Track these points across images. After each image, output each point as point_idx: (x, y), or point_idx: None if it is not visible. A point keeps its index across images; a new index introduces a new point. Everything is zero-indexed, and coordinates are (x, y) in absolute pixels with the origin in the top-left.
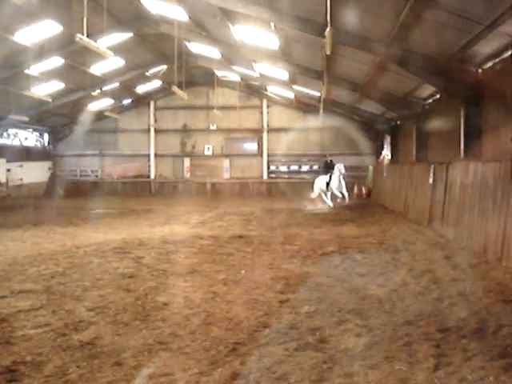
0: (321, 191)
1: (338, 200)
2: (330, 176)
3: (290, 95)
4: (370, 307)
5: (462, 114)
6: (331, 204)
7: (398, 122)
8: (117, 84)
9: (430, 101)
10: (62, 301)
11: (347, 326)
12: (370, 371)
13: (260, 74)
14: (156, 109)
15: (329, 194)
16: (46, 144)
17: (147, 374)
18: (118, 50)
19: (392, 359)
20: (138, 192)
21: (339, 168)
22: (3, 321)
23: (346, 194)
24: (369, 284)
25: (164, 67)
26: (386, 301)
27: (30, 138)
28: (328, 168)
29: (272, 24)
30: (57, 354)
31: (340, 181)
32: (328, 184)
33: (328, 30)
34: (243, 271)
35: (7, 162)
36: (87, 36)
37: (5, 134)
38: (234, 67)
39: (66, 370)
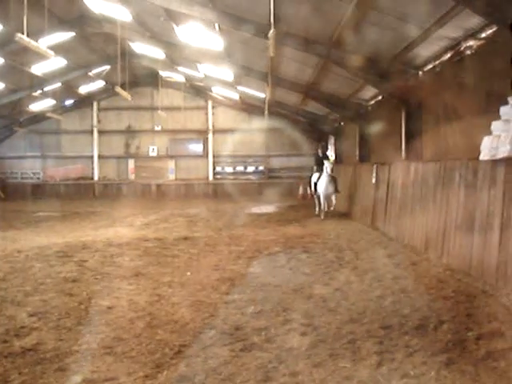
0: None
1: (323, 208)
2: (320, 175)
3: (235, 96)
4: (315, 306)
5: (403, 115)
6: (318, 211)
7: (342, 123)
8: (59, 84)
9: (373, 102)
10: (2, 306)
11: (292, 325)
12: (314, 369)
13: (205, 75)
14: (99, 110)
15: (317, 198)
16: None
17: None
18: (59, 49)
19: (336, 357)
20: (82, 194)
21: (326, 166)
22: None
23: (333, 199)
24: (314, 283)
25: (107, 67)
26: (330, 299)
27: None
28: (321, 164)
29: (216, 25)
30: None
31: (328, 183)
32: (316, 186)
33: (271, 31)
34: (189, 273)
35: None
36: (28, 35)
37: None
38: (179, 68)
39: (7, 377)
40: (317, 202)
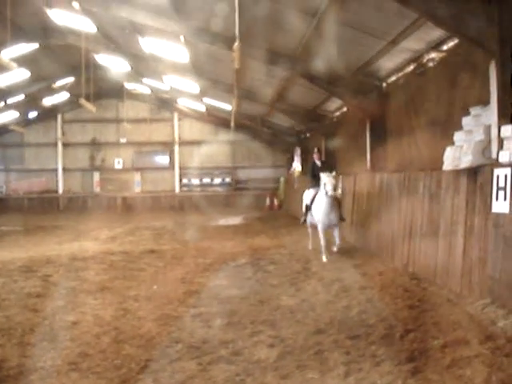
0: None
1: (322, 243)
2: (316, 194)
3: (202, 108)
4: (282, 318)
5: (368, 126)
6: (310, 245)
7: (308, 135)
8: (22, 96)
9: (338, 114)
10: None
11: (260, 337)
12: (282, 381)
13: (170, 87)
14: (64, 122)
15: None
16: None
17: None
18: (22, 61)
19: (304, 368)
20: (46, 208)
21: (325, 182)
22: None
23: (337, 233)
24: (281, 294)
25: (71, 79)
26: (297, 311)
27: None
28: (318, 178)
29: (182, 37)
30: None
31: (328, 207)
32: (308, 209)
33: (236, 44)
34: (155, 286)
35: None
36: None
37: None
38: (144, 80)
39: None
40: (310, 231)
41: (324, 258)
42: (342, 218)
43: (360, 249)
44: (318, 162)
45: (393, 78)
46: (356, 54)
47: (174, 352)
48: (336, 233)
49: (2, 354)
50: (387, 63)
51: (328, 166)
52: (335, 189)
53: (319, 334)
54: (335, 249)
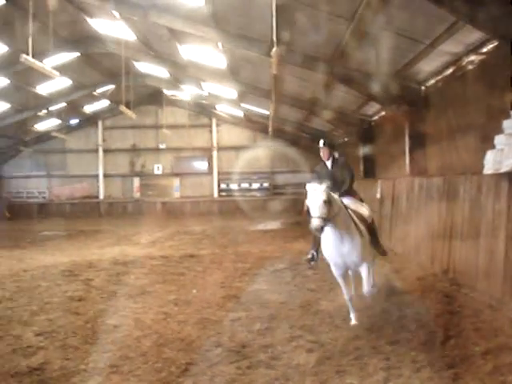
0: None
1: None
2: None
3: (239, 114)
4: (321, 322)
5: (406, 130)
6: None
7: (346, 139)
8: (64, 104)
9: (376, 117)
10: (9, 326)
11: (299, 342)
12: None
13: (209, 93)
14: (104, 128)
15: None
16: None
17: None
18: (64, 69)
19: (343, 373)
20: (87, 213)
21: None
22: None
23: (365, 276)
24: (320, 299)
25: (112, 87)
26: (336, 316)
27: None
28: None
29: (219, 44)
30: (4, 380)
31: (335, 235)
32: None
33: (274, 49)
34: (195, 291)
35: None
36: (33, 56)
37: None
38: (183, 86)
39: None
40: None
41: (352, 319)
42: (381, 251)
43: (399, 254)
44: (329, 163)
45: (432, 82)
46: (394, 58)
47: (213, 356)
48: (364, 274)
49: (45, 357)
50: (426, 66)
51: (343, 169)
52: (328, 214)
53: (358, 340)
54: (366, 293)
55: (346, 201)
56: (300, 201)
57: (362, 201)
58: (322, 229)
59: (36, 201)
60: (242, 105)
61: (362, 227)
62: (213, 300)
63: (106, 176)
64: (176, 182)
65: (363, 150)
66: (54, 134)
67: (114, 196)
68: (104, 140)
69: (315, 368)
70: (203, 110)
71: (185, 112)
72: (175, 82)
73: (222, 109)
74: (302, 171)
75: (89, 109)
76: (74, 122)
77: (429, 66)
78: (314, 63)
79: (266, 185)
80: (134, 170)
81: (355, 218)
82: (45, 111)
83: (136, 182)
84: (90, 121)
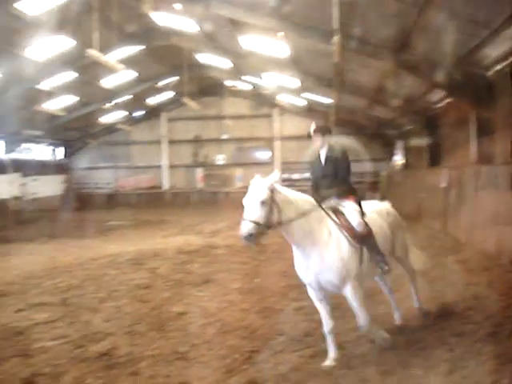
0: None
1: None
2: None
3: (301, 103)
4: (385, 313)
5: (473, 117)
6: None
7: (410, 127)
8: (129, 96)
9: (441, 105)
10: (78, 313)
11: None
12: (384, 377)
13: (270, 83)
14: (168, 120)
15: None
16: (61, 157)
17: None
18: (129, 62)
19: (407, 364)
20: (152, 203)
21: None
22: (21, 333)
23: (351, 297)
24: (379, 293)
25: (175, 79)
26: (400, 307)
27: (44, 152)
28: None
29: (281, 33)
30: (74, 365)
31: (299, 251)
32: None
33: (336, 37)
34: (257, 279)
35: (22, 176)
36: (99, 50)
37: (19, 149)
38: (244, 77)
39: (83, 380)
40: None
41: (328, 359)
42: (383, 270)
43: (465, 244)
44: (323, 153)
45: (498, 67)
46: (459, 44)
47: (276, 344)
48: (350, 300)
49: (112, 343)
50: (492, 52)
51: (338, 161)
52: (267, 218)
53: (423, 331)
54: (359, 327)
55: (334, 202)
56: (362, 190)
57: (359, 202)
58: (252, 237)
59: (103, 191)
60: (304, 94)
61: (349, 239)
62: (275, 289)
63: (170, 167)
64: (238, 171)
65: (427, 139)
66: (119, 126)
67: (178, 186)
68: (168, 131)
69: (378, 358)
70: (264, 100)
71: (246, 102)
72: (236, 73)
73: (284, 98)
74: (364, 160)
75: (153, 101)
76: (138, 114)
77: (495, 52)
78: (378, 51)
79: None
80: (197, 161)
81: (336, 226)
82: (110, 104)
83: (199, 172)
84: (154, 112)
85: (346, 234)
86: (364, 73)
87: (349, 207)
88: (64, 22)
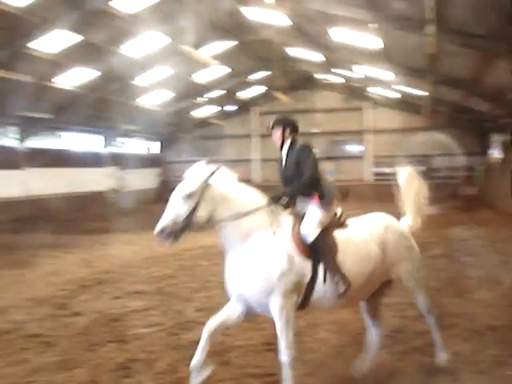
0: None
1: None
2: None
3: (394, 95)
4: (479, 312)
5: None
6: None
7: (509, 119)
8: (221, 91)
9: None
10: (172, 302)
11: (454, 330)
12: (479, 377)
13: (362, 76)
14: (259, 114)
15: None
16: (156, 151)
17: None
18: (221, 58)
19: (503, 364)
20: None
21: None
22: (117, 320)
23: (277, 318)
24: (479, 288)
25: (266, 73)
26: (495, 305)
27: (140, 146)
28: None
29: (373, 25)
30: (167, 352)
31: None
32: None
33: (430, 28)
34: None
35: (119, 169)
36: (192, 46)
37: (116, 143)
38: (335, 69)
39: (175, 367)
40: None
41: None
42: (338, 289)
43: None
44: (284, 150)
45: None
46: None
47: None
48: (276, 322)
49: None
50: None
51: (300, 159)
52: (191, 216)
53: None
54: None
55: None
56: (456, 185)
57: (327, 207)
58: (165, 234)
59: None
60: (397, 86)
61: (290, 249)
62: None
63: (261, 161)
64: (329, 166)
65: None
66: (211, 120)
67: (270, 180)
68: (259, 125)
69: (472, 357)
70: (356, 93)
71: (337, 95)
72: (327, 66)
73: (376, 91)
74: (458, 154)
75: (244, 95)
76: (230, 108)
77: None
78: (473, 40)
79: (421, 168)
80: None
81: (278, 233)
82: (203, 99)
83: None
84: (246, 107)
85: (289, 243)
86: (459, 63)
87: (308, 213)
88: (159, 19)
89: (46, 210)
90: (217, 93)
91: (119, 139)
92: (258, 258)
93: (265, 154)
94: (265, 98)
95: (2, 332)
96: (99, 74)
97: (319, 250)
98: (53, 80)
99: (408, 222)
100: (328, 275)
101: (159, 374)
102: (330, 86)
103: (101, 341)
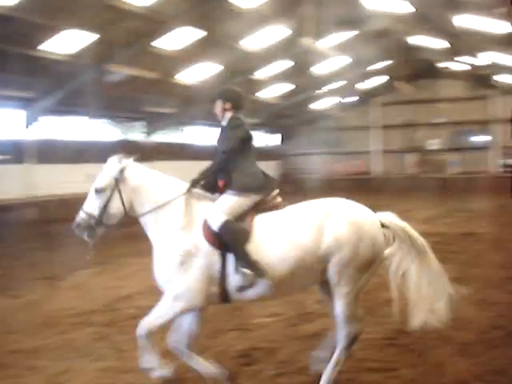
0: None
1: None
2: None
3: None
4: None
5: None
6: None
7: None
8: (340, 82)
9: None
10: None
11: None
12: None
13: (488, 63)
14: (380, 105)
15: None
16: (276, 144)
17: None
18: (341, 48)
19: None
20: (362, 188)
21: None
22: (239, 309)
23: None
24: None
25: (387, 63)
26: None
27: (260, 139)
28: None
29: (501, 10)
30: (287, 342)
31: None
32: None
33: None
34: (474, 270)
35: None
36: (313, 38)
37: None
38: (459, 57)
39: (295, 358)
40: None
41: None
42: (250, 272)
43: None
44: (223, 125)
45: None
46: None
47: (492, 338)
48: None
49: (323, 324)
50: None
51: (225, 136)
52: (103, 211)
53: None
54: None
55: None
56: None
57: (245, 193)
58: (81, 229)
59: (315, 177)
60: None
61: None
62: (493, 281)
63: (380, 152)
64: (453, 156)
65: None
66: (331, 112)
67: (389, 172)
68: (379, 116)
69: None
70: (481, 81)
71: (461, 84)
72: (450, 54)
73: (503, 79)
74: None
75: (364, 86)
76: (349, 99)
77: None
78: None
79: None
80: (409, 146)
81: (188, 222)
82: (323, 90)
83: (411, 157)
84: (365, 98)
85: (198, 231)
86: None
87: (218, 200)
88: (279, 12)
89: None
90: (336, 84)
91: None
92: (165, 247)
93: (386, 145)
94: (386, 88)
95: (129, 317)
96: (221, 68)
97: (223, 239)
98: (176, 76)
99: (388, 216)
100: (237, 264)
101: (280, 363)
102: (453, 75)
103: (224, 328)
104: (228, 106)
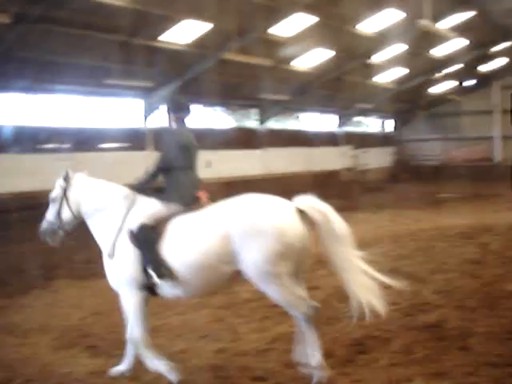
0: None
1: None
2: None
3: None
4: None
5: None
6: None
7: None
8: (459, 65)
9: None
10: (408, 282)
11: None
12: None
13: None
14: (501, 88)
15: None
16: (390, 130)
17: None
18: (460, 29)
19: None
20: (483, 176)
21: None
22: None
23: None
24: None
25: (509, 43)
26: None
27: (373, 125)
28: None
29: None
30: (402, 332)
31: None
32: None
33: None
34: None
35: (353, 148)
36: (430, 20)
37: (351, 122)
38: None
39: (411, 348)
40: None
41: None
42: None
43: None
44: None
45: None
46: None
47: None
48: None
49: (441, 315)
50: None
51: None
52: (59, 217)
53: None
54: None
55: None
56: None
57: (166, 201)
58: (44, 234)
59: (431, 163)
60: None
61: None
62: None
63: (503, 138)
64: None
65: None
66: (448, 96)
67: (509, 159)
68: (501, 100)
69: None
70: None
71: None
72: None
73: None
74: None
75: (484, 68)
76: (468, 83)
77: None
78: None
79: None
80: None
81: (122, 223)
82: (440, 74)
83: None
84: (486, 81)
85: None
86: None
87: (147, 205)
88: None
89: (285, 188)
90: (455, 67)
91: (353, 118)
92: (105, 246)
93: (507, 131)
94: (508, 70)
95: (246, 300)
96: (334, 53)
97: (138, 241)
98: (291, 63)
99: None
100: (145, 264)
101: (394, 353)
102: None
103: (337, 315)
104: (171, 117)
